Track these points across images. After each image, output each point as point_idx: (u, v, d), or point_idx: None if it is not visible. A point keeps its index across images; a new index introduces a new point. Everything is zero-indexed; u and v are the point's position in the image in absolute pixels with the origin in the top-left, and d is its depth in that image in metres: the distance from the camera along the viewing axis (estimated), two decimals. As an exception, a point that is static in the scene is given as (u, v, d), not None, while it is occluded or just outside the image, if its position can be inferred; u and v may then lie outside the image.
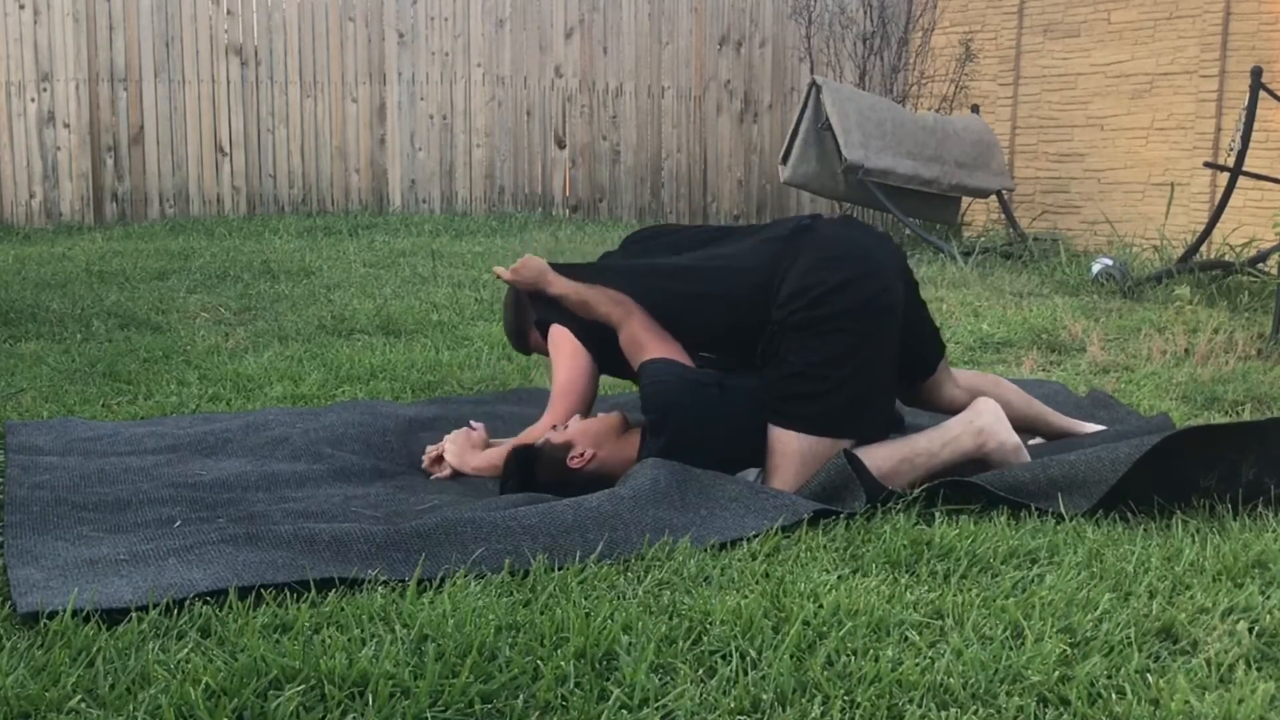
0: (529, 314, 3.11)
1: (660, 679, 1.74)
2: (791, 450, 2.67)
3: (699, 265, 2.97)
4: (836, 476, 2.55)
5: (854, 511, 2.45)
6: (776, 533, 2.34)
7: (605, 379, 3.13)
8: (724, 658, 1.80)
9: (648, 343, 2.84)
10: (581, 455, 2.71)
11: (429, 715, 1.63)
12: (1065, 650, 1.83)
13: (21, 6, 8.45)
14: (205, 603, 1.96)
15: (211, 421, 3.22)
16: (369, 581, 2.08)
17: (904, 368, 2.86)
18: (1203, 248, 6.04)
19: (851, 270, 2.74)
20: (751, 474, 2.70)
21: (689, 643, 1.84)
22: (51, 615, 1.89)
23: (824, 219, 2.98)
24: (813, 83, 7.36)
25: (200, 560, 2.12)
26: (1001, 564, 2.19)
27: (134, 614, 1.92)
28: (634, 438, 2.77)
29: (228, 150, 8.95)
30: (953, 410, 2.92)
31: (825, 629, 1.89)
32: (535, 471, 2.71)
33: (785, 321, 2.72)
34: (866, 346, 2.71)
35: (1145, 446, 2.50)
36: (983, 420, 2.78)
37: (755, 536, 2.32)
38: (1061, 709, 1.68)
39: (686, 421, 2.70)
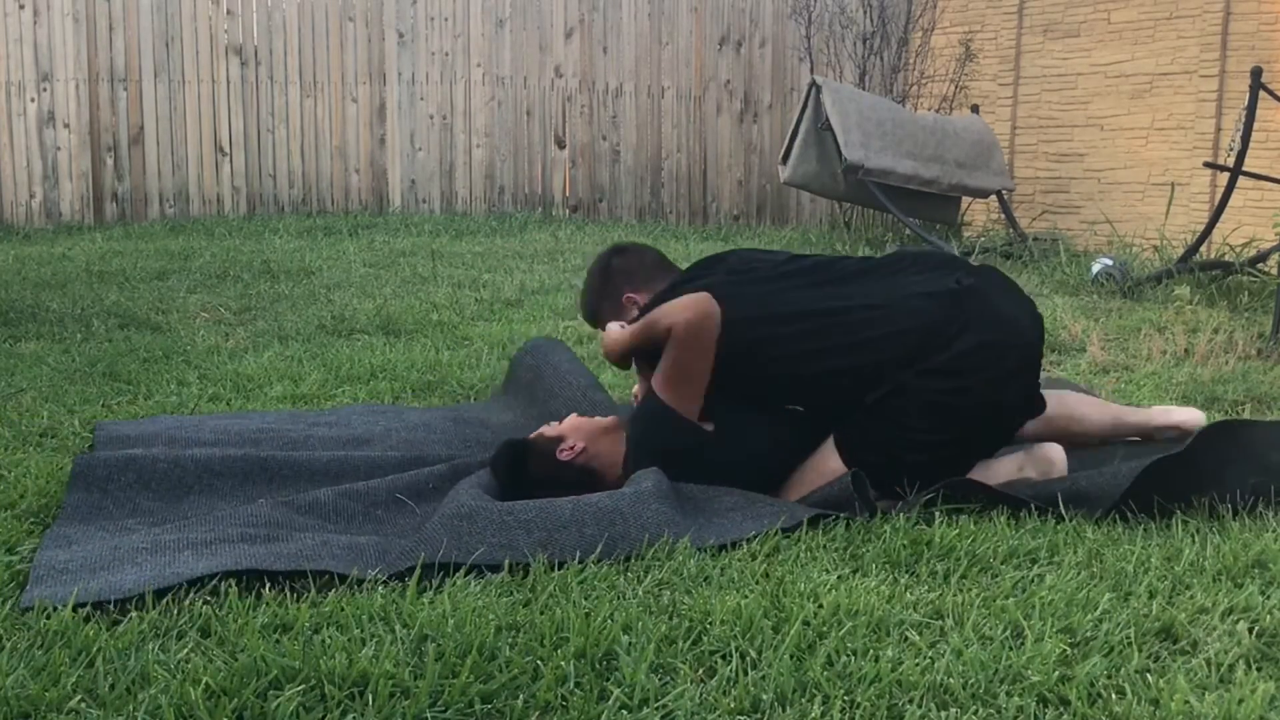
0: (614, 299, 2.93)
1: (660, 679, 1.73)
2: (818, 475, 2.62)
3: (852, 309, 2.70)
4: (839, 493, 2.51)
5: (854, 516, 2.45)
6: (776, 533, 2.33)
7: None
8: (724, 658, 1.80)
9: (667, 373, 2.66)
10: (571, 448, 2.71)
11: (429, 715, 1.63)
12: (1065, 650, 1.83)
13: (21, 6, 8.45)
14: (205, 603, 1.96)
15: (298, 419, 3.27)
16: (369, 581, 2.08)
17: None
18: (1203, 248, 6.04)
19: (1011, 362, 2.63)
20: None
21: (689, 643, 1.84)
22: (49, 610, 1.90)
23: (985, 276, 2.76)
24: (813, 83, 7.36)
25: (212, 554, 2.14)
26: (1001, 564, 2.19)
27: (134, 614, 1.92)
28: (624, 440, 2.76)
29: (228, 150, 8.95)
30: (1023, 437, 2.83)
31: (825, 629, 1.89)
32: (527, 465, 2.70)
33: (919, 388, 2.58)
34: (980, 436, 2.67)
35: (1145, 463, 2.49)
36: (1032, 471, 2.71)
37: (755, 537, 2.32)
38: (1061, 709, 1.68)
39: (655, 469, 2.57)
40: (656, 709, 1.65)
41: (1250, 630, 1.92)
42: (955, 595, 2.03)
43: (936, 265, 2.82)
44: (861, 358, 2.63)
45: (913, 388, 2.58)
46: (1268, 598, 2.04)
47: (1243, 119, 5.68)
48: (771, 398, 2.70)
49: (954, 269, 2.78)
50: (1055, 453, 2.74)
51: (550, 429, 2.79)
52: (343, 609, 1.94)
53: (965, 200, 8.08)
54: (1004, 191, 7.83)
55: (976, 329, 2.61)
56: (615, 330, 2.83)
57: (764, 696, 1.68)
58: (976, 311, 2.64)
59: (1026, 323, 2.72)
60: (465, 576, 2.11)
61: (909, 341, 2.62)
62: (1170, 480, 2.47)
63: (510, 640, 1.83)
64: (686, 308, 2.62)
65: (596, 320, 3.01)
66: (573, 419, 2.81)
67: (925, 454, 2.59)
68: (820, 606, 1.96)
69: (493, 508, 2.31)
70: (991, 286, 2.74)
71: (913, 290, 2.71)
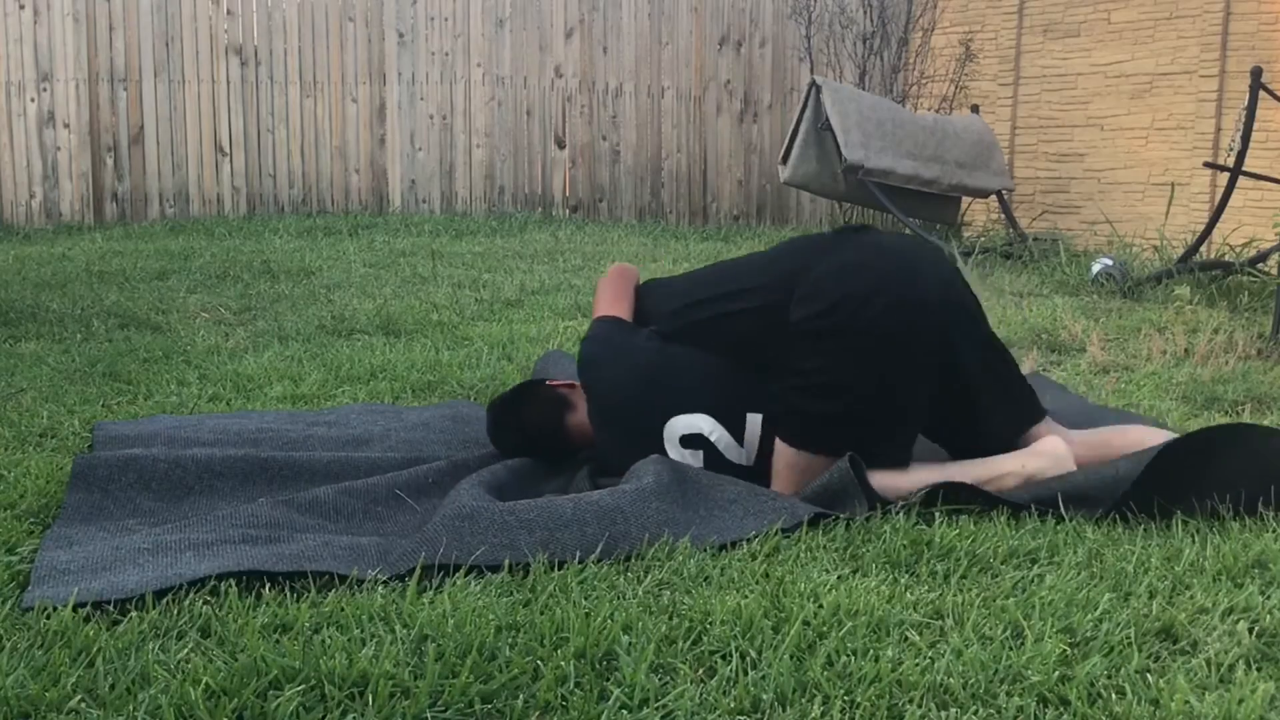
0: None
1: (660, 679, 1.73)
2: (784, 464, 2.60)
3: (740, 263, 2.84)
4: (838, 481, 2.50)
5: (854, 516, 2.45)
6: (776, 533, 2.33)
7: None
8: (724, 658, 1.80)
9: (599, 304, 2.94)
10: (561, 383, 2.88)
11: (429, 715, 1.63)
12: (1065, 650, 1.83)
13: (21, 6, 8.45)
14: (205, 603, 1.96)
15: (297, 419, 3.27)
16: (369, 581, 2.08)
17: (978, 425, 2.67)
18: (1203, 248, 6.04)
19: (887, 283, 2.52)
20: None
21: (689, 643, 1.84)
22: (77, 607, 1.90)
23: (879, 231, 2.76)
24: (813, 83, 7.36)
25: (215, 555, 2.14)
26: (1001, 564, 2.19)
27: (134, 614, 1.92)
28: None
29: (228, 150, 8.95)
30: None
31: (825, 629, 1.89)
32: (522, 413, 2.81)
33: (799, 325, 2.55)
34: (887, 373, 2.51)
35: (1143, 462, 2.48)
36: (1036, 465, 2.58)
37: (755, 537, 2.32)
38: (1061, 709, 1.68)
39: (599, 372, 2.76)
40: (656, 709, 1.65)
41: (1250, 630, 1.92)
42: (955, 595, 2.03)
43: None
44: (751, 299, 2.68)
45: (797, 326, 2.56)
46: (1268, 598, 2.04)
47: (1243, 119, 5.68)
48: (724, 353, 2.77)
49: (854, 226, 2.83)
50: (1054, 445, 2.61)
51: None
52: (343, 609, 1.94)
53: (965, 200, 8.08)
54: (1004, 191, 7.83)
55: (845, 251, 2.60)
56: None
57: (764, 696, 1.68)
58: (853, 242, 2.64)
59: (915, 256, 2.61)
60: (465, 576, 2.11)
61: (784, 267, 2.66)
62: (1172, 479, 2.46)
63: (510, 640, 1.83)
64: (610, 270, 3.06)
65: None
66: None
67: (835, 401, 2.52)
68: (820, 606, 1.96)
69: (494, 508, 2.31)
70: (888, 233, 2.75)
71: (791, 242, 2.80)
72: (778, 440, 2.62)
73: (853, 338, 2.50)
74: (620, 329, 2.86)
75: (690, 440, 2.66)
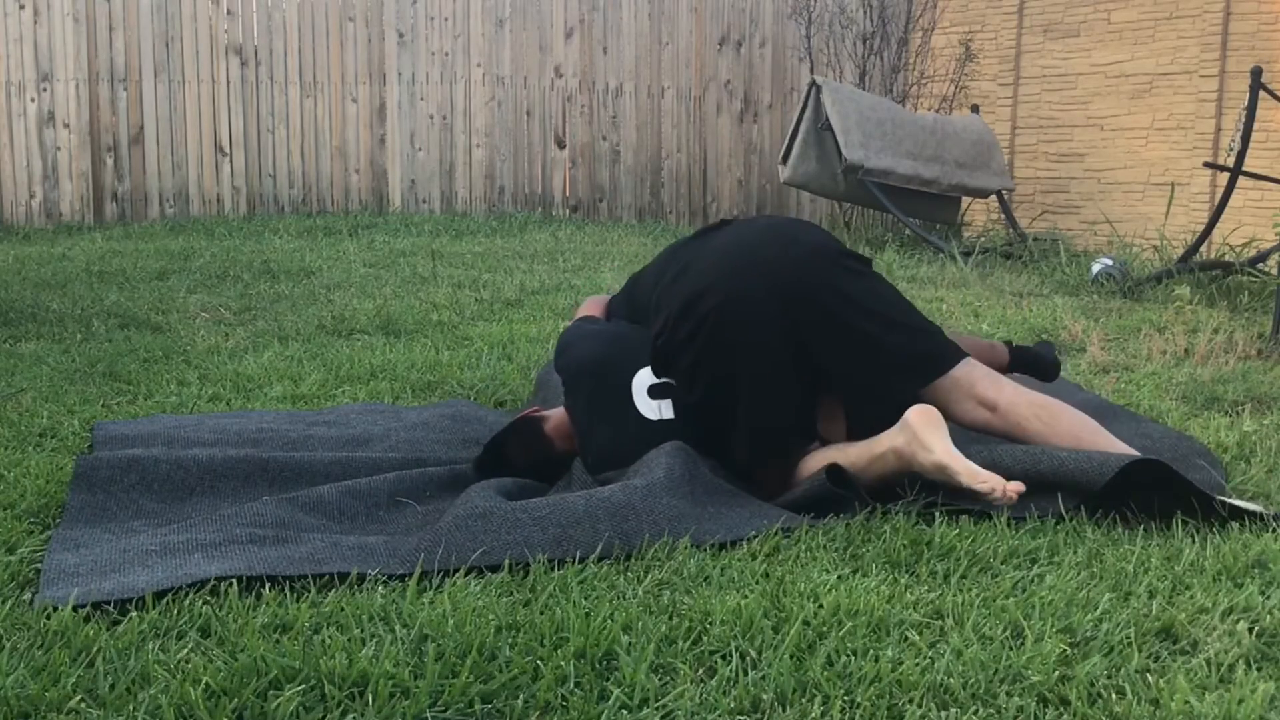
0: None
1: (660, 679, 1.73)
2: (761, 479, 2.67)
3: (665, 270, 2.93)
4: (818, 490, 2.51)
5: (853, 513, 2.45)
6: (776, 533, 2.34)
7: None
8: (724, 658, 1.80)
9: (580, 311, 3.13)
10: (539, 411, 2.90)
11: (429, 715, 1.63)
12: (1065, 650, 1.83)
13: (21, 6, 8.45)
14: (205, 603, 1.96)
15: (297, 419, 3.27)
16: (369, 581, 2.08)
17: (850, 391, 2.65)
18: (1203, 248, 6.04)
19: (708, 282, 2.60)
20: None
21: (689, 643, 1.84)
22: (77, 607, 1.91)
23: (752, 217, 2.81)
24: (813, 83, 7.36)
25: (223, 556, 2.14)
26: (1001, 564, 2.19)
27: (134, 614, 1.92)
28: None
29: (228, 150, 8.95)
30: (975, 429, 2.68)
31: (825, 629, 1.89)
32: (508, 449, 2.79)
33: (657, 350, 2.69)
34: (741, 371, 2.57)
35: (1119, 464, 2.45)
36: (900, 440, 2.47)
37: (755, 537, 2.32)
38: (1061, 709, 1.68)
39: (569, 352, 2.84)
40: (656, 709, 1.65)
41: (1250, 630, 1.92)
42: (955, 595, 2.03)
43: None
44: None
45: (658, 353, 2.69)
46: (1268, 598, 2.04)
47: (1243, 119, 5.68)
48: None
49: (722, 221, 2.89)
50: (912, 417, 2.45)
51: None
52: (343, 609, 1.94)
53: (965, 200, 8.08)
54: (1004, 191, 7.83)
55: (676, 264, 2.77)
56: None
57: (764, 696, 1.68)
58: (693, 250, 2.75)
59: (738, 248, 2.65)
60: (465, 576, 2.11)
61: (649, 295, 2.85)
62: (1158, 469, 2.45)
63: (510, 640, 1.83)
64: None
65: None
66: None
67: (726, 416, 2.60)
68: (820, 606, 1.96)
69: (506, 507, 2.32)
70: (747, 223, 2.78)
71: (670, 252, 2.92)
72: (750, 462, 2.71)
73: (687, 342, 2.61)
74: (589, 320, 3.04)
75: (658, 390, 2.70)
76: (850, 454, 2.56)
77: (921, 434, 2.43)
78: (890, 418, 2.52)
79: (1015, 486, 2.39)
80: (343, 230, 8.12)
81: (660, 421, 2.66)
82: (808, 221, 2.84)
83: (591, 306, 3.20)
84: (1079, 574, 2.13)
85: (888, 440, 2.50)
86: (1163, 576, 2.13)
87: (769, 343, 2.57)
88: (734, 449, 2.66)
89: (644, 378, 2.71)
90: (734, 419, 2.62)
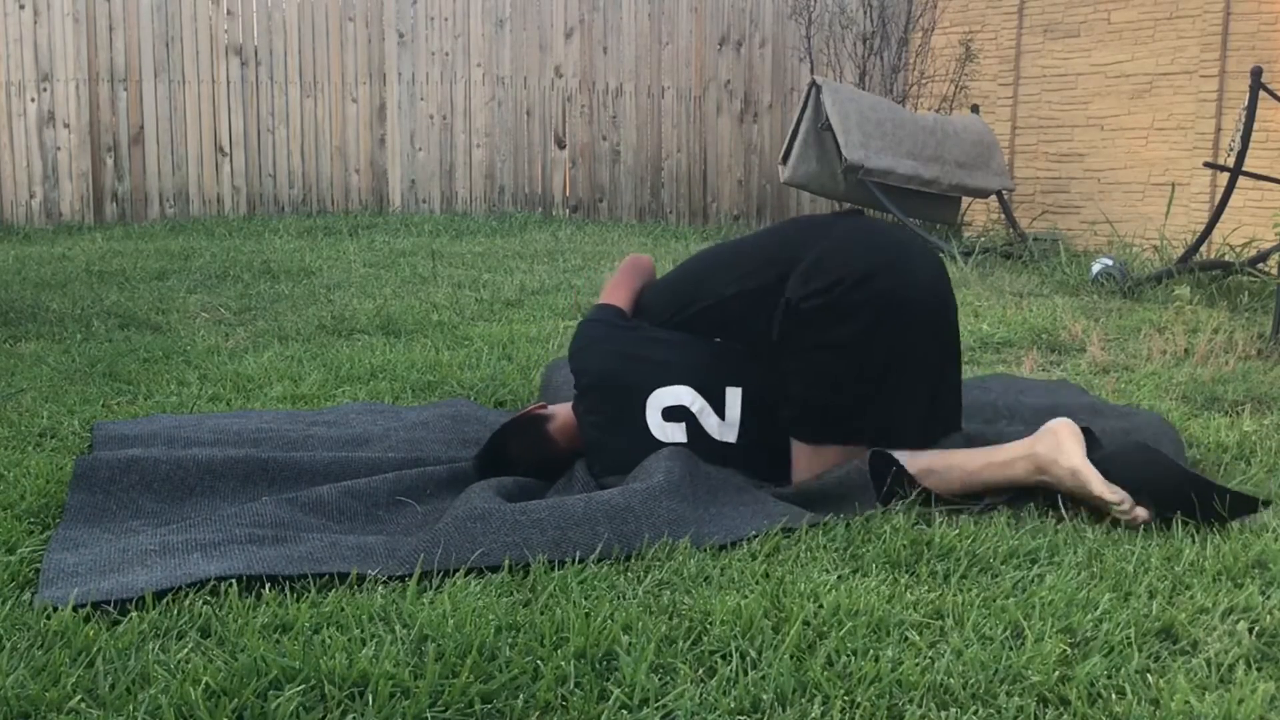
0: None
1: (660, 679, 1.74)
2: (803, 459, 2.63)
3: (744, 244, 2.85)
4: (855, 476, 2.50)
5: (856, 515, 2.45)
6: (777, 533, 2.34)
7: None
8: (724, 658, 1.80)
9: (604, 291, 3.00)
10: (544, 409, 2.86)
11: (429, 715, 1.63)
12: (1065, 650, 1.83)
13: (21, 6, 8.45)
14: (205, 603, 1.96)
15: (296, 418, 3.27)
16: (369, 581, 2.08)
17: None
18: (1203, 248, 6.04)
19: (887, 261, 2.54)
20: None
21: (689, 643, 1.84)
22: (76, 608, 1.91)
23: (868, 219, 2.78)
24: (813, 83, 7.36)
25: (222, 556, 2.14)
26: (1001, 564, 2.19)
27: (134, 614, 1.92)
28: None
29: (228, 150, 8.95)
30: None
31: (825, 629, 1.89)
32: (510, 448, 2.77)
33: (800, 303, 2.56)
34: (889, 351, 2.52)
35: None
36: (1041, 446, 2.52)
37: (755, 537, 2.32)
38: (1061, 709, 1.68)
39: (585, 356, 2.80)
40: (656, 709, 1.65)
41: (1250, 630, 1.92)
42: (955, 595, 2.03)
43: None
44: (747, 282, 2.71)
45: (795, 308, 2.57)
46: (1268, 598, 2.04)
47: (1243, 119, 5.68)
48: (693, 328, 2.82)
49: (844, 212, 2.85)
50: (1065, 427, 2.53)
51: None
52: (343, 609, 1.94)
53: (965, 200, 8.08)
54: (1004, 191, 7.83)
55: (842, 233, 2.64)
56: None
57: (764, 696, 1.68)
58: (844, 225, 2.67)
59: (902, 238, 2.66)
60: (465, 576, 2.11)
61: (770, 253, 2.69)
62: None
63: (510, 640, 1.83)
64: (625, 260, 3.12)
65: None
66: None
67: (841, 392, 2.54)
68: (820, 606, 1.96)
69: (506, 508, 2.32)
70: (876, 220, 2.77)
71: (793, 222, 2.84)
72: (793, 442, 2.64)
73: (854, 313, 2.52)
74: (612, 315, 2.92)
75: (672, 413, 2.67)
76: (956, 459, 2.56)
77: (1065, 442, 2.50)
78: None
79: (1142, 513, 2.44)
80: (343, 230, 8.12)
81: (671, 445, 2.64)
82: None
83: (621, 287, 3.03)
84: (1079, 574, 2.14)
85: (1023, 447, 2.54)
86: (1163, 576, 2.13)
87: (931, 341, 2.60)
88: (813, 418, 2.59)
89: (659, 398, 2.67)
90: (851, 394, 2.55)
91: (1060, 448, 2.49)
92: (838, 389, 2.56)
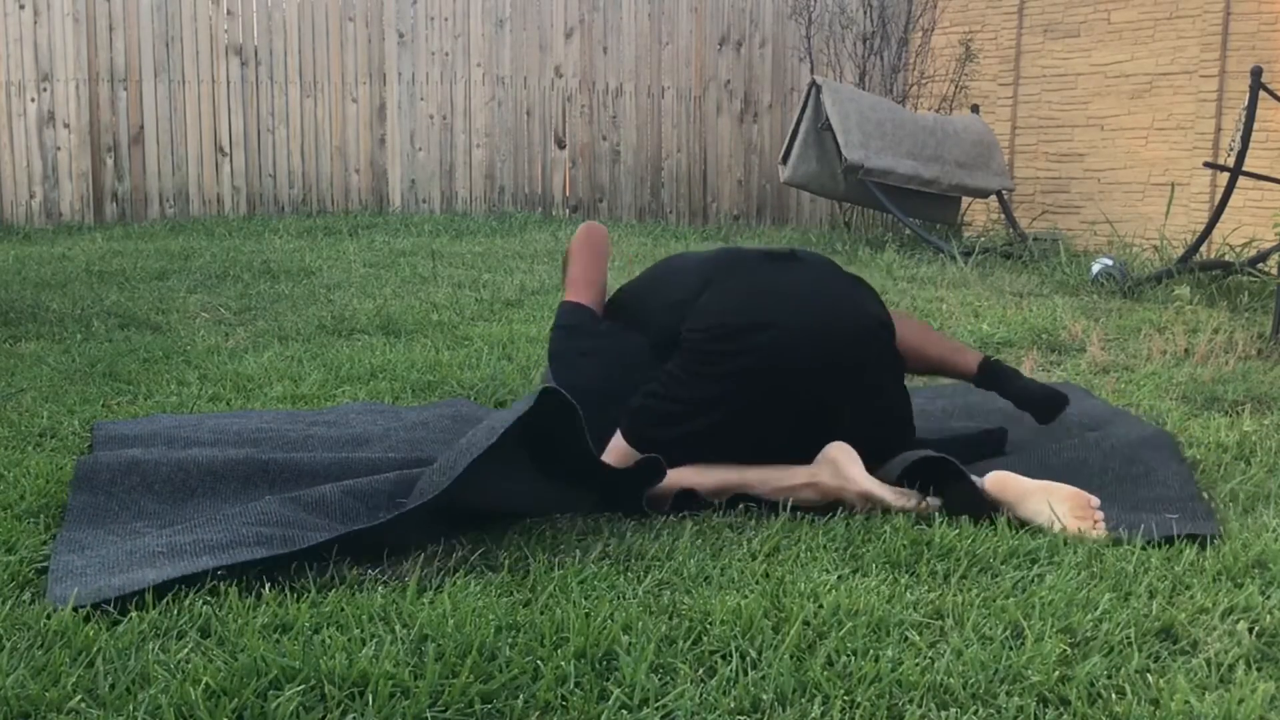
0: None
1: (660, 679, 1.73)
2: (614, 448, 2.63)
3: (688, 260, 2.91)
4: (625, 475, 2.51)
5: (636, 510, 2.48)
6: (777, 533, 2.34)
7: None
8: (724, 658, 1.80)
9: (569, 279, 3.04)
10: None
11: (429, 715, 1.63)
12: (1065, 650, 1.83)
13: (21, 6, 8.45)
14: (205, 603, 1.96)
15: (296, 418, 3.27)
16: (369, 581, 2.09)
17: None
18: (1203, 248, 6.04)
19: (777, 320, 2.52)
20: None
21: (689, 643, 1.84)
22: (77, 608, 1.92)
23: (811, 256, 2.74)
24: (813, 83, 7.37)
25: (231, 558, 2.14)
26: (1001, 564, 2.19)
27: (134, 614, 1.92)
28: None
29: (228, 150, 8.95)
30: None
31: (825, 629, 1.89)
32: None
33: (683, 336, 2.60)
34: (740, 412, 2.52)
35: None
36: (824, 474, 2.53)
37: (755, 537, 2.33)
38: (1061, 709, 1.68)
39: (564, 367, 2.82)
40: (656, 709, 1.65)
41: (1250, 630, 1.92)
42: (955, 595, 2.03)
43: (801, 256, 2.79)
44: (663, 300, 2.76)
45: (682, 331, 2.60)
46: (1268, 598, 2.04)
47: (1243, 119, 5.68)
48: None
49: (794, 250, 2.78)
50: (839, 453, 2.54)
51: None
52: (343, 609, 1.94)
53: (965, 200, 8.08)
54: (1004, 191, 7.83)
55: (748, 277, 2.65)
56: None
57: (764, 696, 1.68)
58: (771, 269, 2.65)
59: (823, 296, 2.61)
60: (465, 576, 2.11)
61: (693, 287, 2.67)
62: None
63: (510, 640, 1.83)
64: (577, 233, 3.13)
65: None
66: None
67: (678, 426, 2.55)
68: (820, 606, 1.96)
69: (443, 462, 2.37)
70: (816, 264, 2.71)
71: (727, 251, 2.82)
72: (620, 429, 2.66)
73: (719, 361, 2.54)
74: (584, 320, 2.94)
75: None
76: (750, 476, 2.56)
77: (846, 469, 2.50)
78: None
79: (934, 501, 2.50)
80: (343, 230, 8.12)
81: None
82: (868, 288, 2.78)
83: (587, 258, 3.03)
84: (1079, 574, 2.14)
85: (806, 474, 2.53)
86: (1163, 576, 2.13)
87: (801, 395, 2.57)
88: (641, 420, 2.60)
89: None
90: (684, 426, 2.56)
91: (842, 474, 2.50)
92: (673, 417, 2.57)
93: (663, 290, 2.84)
